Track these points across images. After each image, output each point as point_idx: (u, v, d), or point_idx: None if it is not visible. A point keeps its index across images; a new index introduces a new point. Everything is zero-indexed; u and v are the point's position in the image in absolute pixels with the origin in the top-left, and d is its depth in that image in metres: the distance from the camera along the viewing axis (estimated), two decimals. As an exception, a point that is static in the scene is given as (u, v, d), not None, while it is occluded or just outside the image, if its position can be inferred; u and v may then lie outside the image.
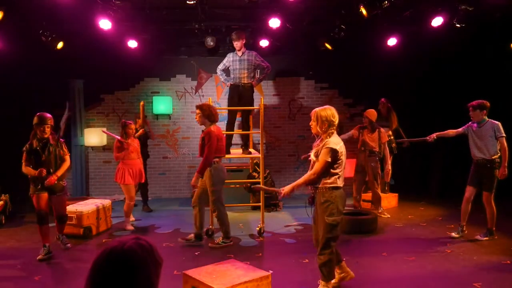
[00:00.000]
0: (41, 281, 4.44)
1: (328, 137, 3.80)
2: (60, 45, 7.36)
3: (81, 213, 5.89)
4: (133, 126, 6.60)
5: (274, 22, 7.10)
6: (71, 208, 6.00)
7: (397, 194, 8.08)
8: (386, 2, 6.25)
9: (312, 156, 3.87)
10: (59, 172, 5.12)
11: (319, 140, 3.91)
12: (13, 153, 8.16)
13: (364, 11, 6.51)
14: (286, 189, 3.84)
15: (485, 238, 5.64)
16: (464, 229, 5.84)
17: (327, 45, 8.11)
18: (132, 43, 7.86)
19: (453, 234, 5.84)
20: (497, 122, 5.60)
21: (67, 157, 5.29)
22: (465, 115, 6.39)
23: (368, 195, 7.98)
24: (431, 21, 6.93)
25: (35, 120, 5.07)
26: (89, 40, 7.58)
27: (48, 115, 5.14)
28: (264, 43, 8.19)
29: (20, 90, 8.08)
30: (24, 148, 5.10)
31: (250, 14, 7.56)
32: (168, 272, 4.46)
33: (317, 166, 3.75)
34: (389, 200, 7.87)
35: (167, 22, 7.73)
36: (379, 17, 6.72)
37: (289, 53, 9.00)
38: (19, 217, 7.10)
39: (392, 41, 8.00)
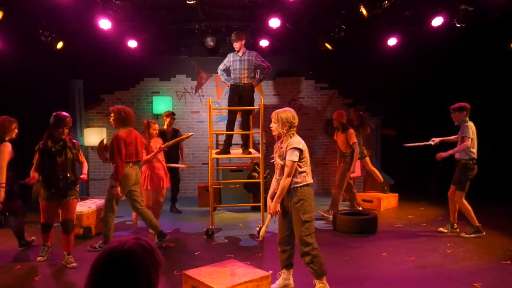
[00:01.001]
0: (41, 281, 4.44)
1: (289, 138, 3.87)
2: (60, 45, 7.36)
3: (81, 213, 5.88)
4: (156, 126, 6.27)
5: (274, 22, 7.11)
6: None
7: (397, 194, 8.09)
8: (386, 2, 6.26)
9: (277, 160, 3.90)
10: (86, 170, 4.95)
11: (279, 142, 3.97)
12: (13, 153, 8.19)
13: (364, 11, 6.52)
14: (273, 209, 3.87)
15: (471, 235, 5.76)
16: (455, 226, 6.02)
17: (327, 45, 8.11)
18: (132, 43, 7.86)
19: (442, 229, 6.07)
20: (468, 123, 5.74)
21: (85, 160, 5.05)
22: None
23: (368, 195, 7.99)
24: (431, 21, 6.94)
25: (53, 120, 4.70)
26: (89, 40, 7.58)
27: (66, 114, 4.80)
28: (264, 43, 8.20)
29: (20, 90, 8.07)
30: (37, 148, 4.74)
31: (250, 14, 7.56)
32: (168, 272, 4.46)
33: (287, 169, 3.79)
34: (389, 200, 7.87)
35: (167, 22, 7.74)
36: (379, 17, 6.73)
37: (289, 53, 9.00)
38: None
39: (392, 41, 8.00)
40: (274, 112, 3.94)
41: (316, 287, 3.92)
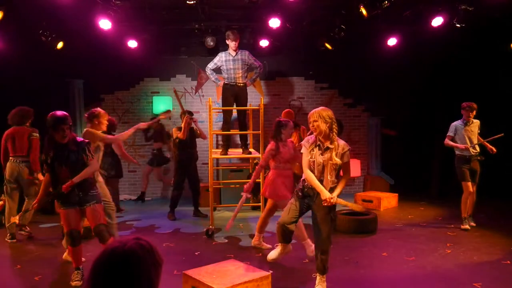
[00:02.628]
0: (41, 281, 4.44)
1: (336, 136, 3.89)
2: (60, 45, 7.36)
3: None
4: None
5: (274, 22, 7.10)
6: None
7: (397, 194, 8.09)
8: (386, 2, 6.25)
9: (335, 159, 3.81)
10: (76, 179, 4.08)
11: (316, 140, 3.90)
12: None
13: (364, 11, 6.51)
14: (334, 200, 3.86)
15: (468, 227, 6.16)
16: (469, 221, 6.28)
17: (327, 45, 8.11)
18: (132, 43, 7.86)
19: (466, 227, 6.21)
20: (453, 123, 6.23)
21: (93, 161, 4.24)
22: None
23: (368, 195, 7.99)
24: (431, 21, 6.93)
25: (49, 121, 4.05)
26: (89, 40, 7.58)
27: (63, 113, 4.14)
28: (264, 43, 8.19)
29: (20, 90, 8.07)
30: (43, 158, 4.25)
31: (250, 14, 7.55)
32: (168, 272, 4.46)
33: (348, 168, 3.97)
34: (389, 200, 7.87)
35: (167, 22, 7.73)
36: (379, 17, 6.72)
37: (289, 53, 9.00)
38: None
39: (392, 41, 8.00)
40: (314, 111, 3.89)
41: (318, 284, 3.97)
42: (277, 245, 4.29)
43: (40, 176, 5.31)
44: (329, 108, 3.97)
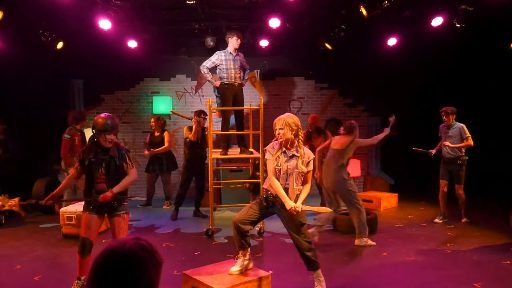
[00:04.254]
0: (41, 281, 4.44)
1: (301, 144, 3.86)
2: (60, 45, 7.36)
3: (81, 213, 5.87)
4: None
5: (274, 22, 7.10)
6: (71, 208, 6.00)
7: (397, 194, 8.09)
8: (386, 2, 6.26)
9: (301, 167, 3.80)
10: (117, 188, 3.89)
11: (283, 147, 3.85)
12: (13, 153, 8.20)
13: (364, 11, 6.52)
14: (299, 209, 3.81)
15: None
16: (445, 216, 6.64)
17: (327, 45, 8.11)
18: (132, 43, 7.86)
19: (436, 220, 6.63)
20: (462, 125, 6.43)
21: (132, 171, 4.03)
22: (465, 114, 6.40)
23: (368, 195, 7.99)
24: (431, 21, 6.94)
25: (98, 124, 3.89)
26: (89, 40, 7.58)
27: (113, 118, 3.98)
28: (264, 43, 8.19)
29: (20, 90, 8.08)
30: (79, 158, 4.06)
31: (250, 14, 7.56)
32: (168, 272, 4.46)
33: (310, 177, 3.95)
34: (389, 200, 7.87)
35: (167, 22, 7.74)
36: (379, 17, 6.72)
37: (289, 53, 9.00)
38: (19, 217, 7.10)
39: (392, 41, 8.00)
40: (279, 118, 3.85)
41: (317, 285, 3.96)
42: (237, 258, 3.97)
43: (71, 170, 5.34)
44: (295, 115, 3.93)
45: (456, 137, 6.30)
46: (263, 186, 4.05)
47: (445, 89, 8.67)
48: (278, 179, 3.84)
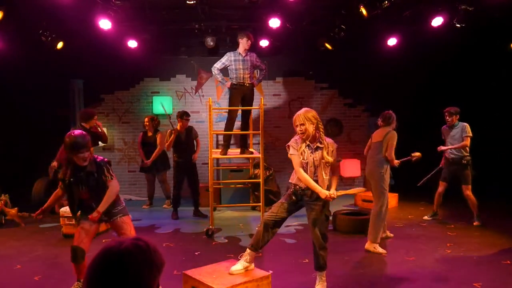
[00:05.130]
0: (41, 281, 4.44)
1: (323, 135, 3.91)
2: (60, 45, 7.36)
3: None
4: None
5: (274, 22, 7.10)
6: (71, 208, 6.00)
7: (397, 194, 8.08)
8: (386, 2, 6.26)
9: (327, 157, 3.85)
10: (102, 207, 3.79)
11: (305, 140, 3.88)
12: (13, 153, 8.21)
13: (364, 11, 6.52)
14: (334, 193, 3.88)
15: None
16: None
17: (327, 45, 8.11)
18: (132, 43, 7.86)
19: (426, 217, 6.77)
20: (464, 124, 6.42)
21: (112, 183, 3.87)
22: (465, 114, 6.40)
23: (368, 195, 7.98)
24: (431, 21, 6.94)
25: (68, 145, 3.71)
26: (89, 40, 7.58)
27: (83, 135, 3.77)
28: (264, 43, 8.19)
29: (20, 90, 8.08)
30: (60, 177, 3.97)
31: (250, 14, 7.56)
32: (168, 272, 4.46)
33: (338, 165, 4.00)
34: (389, 200, 7.82)
35: (167, 22, 7.74)
36: (379, 17, 6.72)
37: (289, 53, 9.00)
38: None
39: (392, 41, 8.00)
40: (298, 114, 3.87)
41: (318, 283, 3.99)
42: (240, 257, 3.99)
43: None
44: (312, 109, 3.97)
45: (458, 137, 6.28)
46: (290, 181, 4.04)
47: (445, 89, 8.67)
48: (306, 172, 3.88)
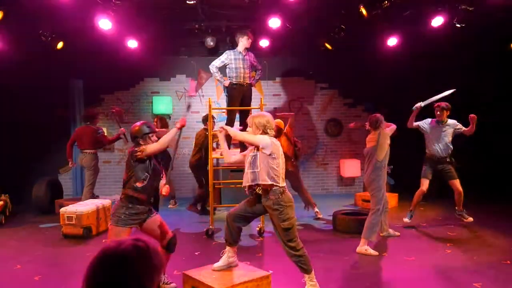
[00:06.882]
0: (41, 281, 4.44)
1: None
2: (60, 45, 7.36)
3: (81, 213, 5.89)
4: None
5: (274, 22, 7.10)
6: (71, 208, 6.01)
7: (397, 194, 8.08)
8: (386, 2, 6.26)
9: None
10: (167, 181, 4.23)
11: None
12: (13, 153, 8.21)
13: (364, 11, 6.52)
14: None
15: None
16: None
17: (327, 45, 8.11)
18: (132, 43, 7.86)
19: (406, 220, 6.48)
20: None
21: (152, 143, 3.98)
22: (465, 114, 6.39)
23: (367, 194, 7.98)
24: (431, 21, 6.93)
25: (140, 131, 3.94)
26: (89, 40, 7.58)
27: (148, 124, 4.03)
28: (264, 43, 8.19)
29: (20, 90, 8.08)
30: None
31: (250, 14, 7.55)
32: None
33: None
34: (389, 200, 7.83)
35: (167, 22, 7.73)
36: (379, 17, 6.72)
37: (289, 53, 9.01)
38: (19, 217, 7.10)
39: (392, 41, 7.99)
40: (250, 115, 4.00)
41: (306, 285, 3.89)
42: (222, 253, 4.04)
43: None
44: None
45: (449, 135, 6.24)
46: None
47: (444, 89, 8.66)
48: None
